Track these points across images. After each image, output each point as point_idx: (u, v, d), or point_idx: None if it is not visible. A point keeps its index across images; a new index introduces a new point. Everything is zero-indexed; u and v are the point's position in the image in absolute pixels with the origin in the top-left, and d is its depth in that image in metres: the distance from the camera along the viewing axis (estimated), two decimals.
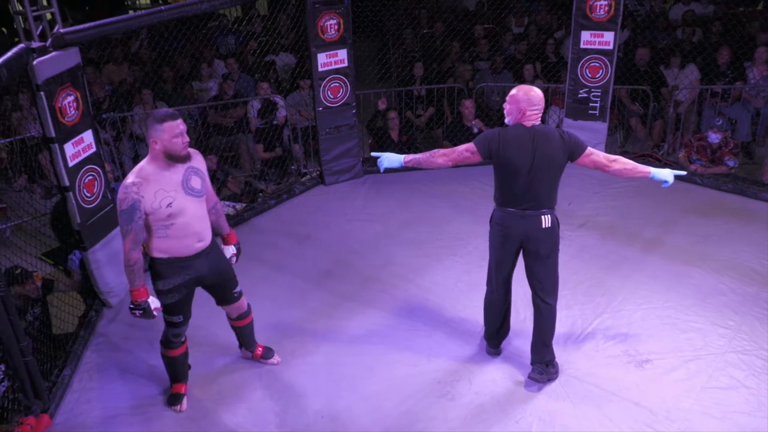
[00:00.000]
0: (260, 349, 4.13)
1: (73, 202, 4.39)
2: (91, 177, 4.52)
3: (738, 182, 6.10)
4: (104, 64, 7.70)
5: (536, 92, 3.52)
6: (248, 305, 3.95)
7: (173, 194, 3.32)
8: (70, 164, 4.34)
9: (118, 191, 3.31)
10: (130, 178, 3.29)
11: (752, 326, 4.31)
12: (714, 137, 6.23)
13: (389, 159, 3.83)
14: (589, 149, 3.60)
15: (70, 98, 4.30)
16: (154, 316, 3.47)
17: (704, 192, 6.06)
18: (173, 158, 3.31)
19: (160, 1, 13.79)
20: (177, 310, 3.59)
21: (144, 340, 4.42)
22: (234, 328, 4.00)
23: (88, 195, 4.50)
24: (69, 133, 4.31)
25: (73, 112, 4.33)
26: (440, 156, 3.70)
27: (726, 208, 5.77)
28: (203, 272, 3.55)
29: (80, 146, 4.42)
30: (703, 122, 6.88)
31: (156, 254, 3.47)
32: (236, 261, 3.80)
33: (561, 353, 4.02)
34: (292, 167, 6.72)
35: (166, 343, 3.73)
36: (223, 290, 3.73)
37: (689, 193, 5.99)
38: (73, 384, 4.08)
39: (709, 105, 6.93)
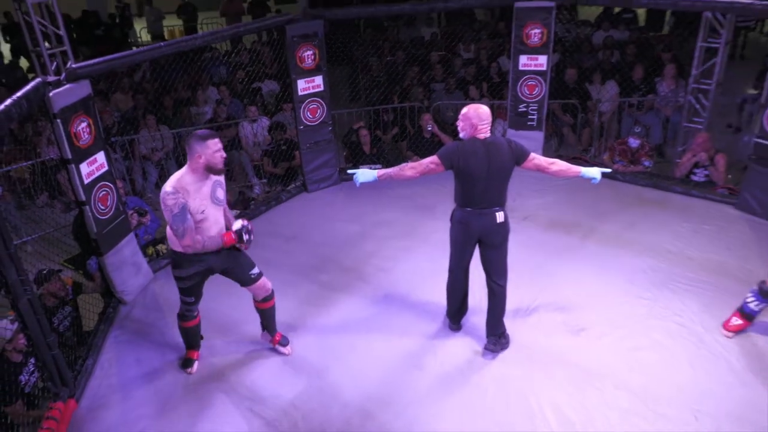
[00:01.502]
0: (278, 336, 4.10)
1: (90, 214, 4.34)
2: (104, 192, 4.47)
3: (653, 178, 6.19)
4: (113, 94, 7.60)
5: (484, 109, 3.56)
6: (272, 290, 3.90)
7: (206, 203, 3.42)
8: (86, 182, 4.29)
9: (162, 199, 3.33)
10: (171, 186, 3.33)
11: (667, 297, 4.41)
12: (633, 142, 6.34)
13: (364, 175, 3.78)
14: (532, 155, 3.65)
15: (84, 124, 4.25)
16: (248, 227, 3.52)
17: (626, 187, 6.13)
18: (212, 171, 3.40)
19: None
20: (190, 293, 3.70)
21: (156, 332, 4.39)
22: (258, 310, 3.96)
23: (103, 208, 4.45)
24: (83, 154, 4.26)
25: (86, 136, 4.27)
26: (409, 169, 3.72)
27: (644, 200, 5.85)
28: (213, 264, 3.62)
29: (94, 166, 4.36)
30: (623, 129, 6.99)
31: (177, 248, 3.51)
32: (246, 244, 3.60)
33: (511, 326, 4.07)
34: (297, 179, 6.66)
35: (182, 316, 3.85)
36: (239, 274, 3.74)
37: (614, 188, 6.06)
38: (95, 372, 4.05)
39: (627, 114, 7.06)
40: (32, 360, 3.78)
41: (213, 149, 3.33)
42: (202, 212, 3.41)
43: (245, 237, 3.46)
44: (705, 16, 6.09)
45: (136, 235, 5.04)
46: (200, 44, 5.35)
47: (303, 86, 5.97)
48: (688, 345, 3.94)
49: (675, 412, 3.45)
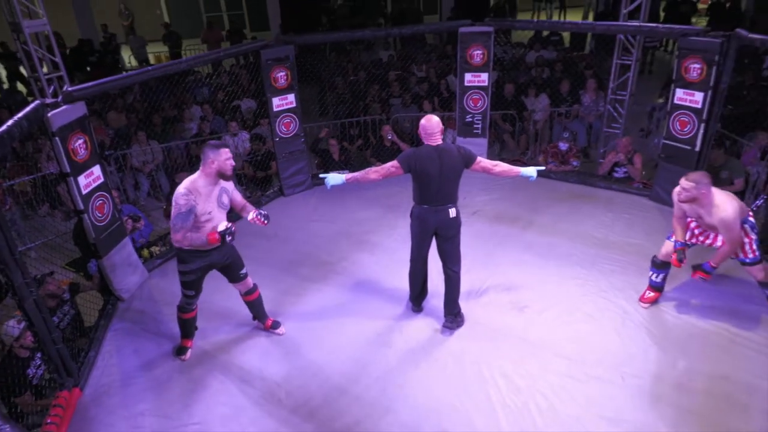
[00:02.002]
0: (270, 321, 4.07)
1: (88, 221, 4.20)
2: (101, 201, 4.32)
3: (581, 176, 6.29)
4: (106, 113, 7.37)
5: (434, 120, 3.58)
6: (254, 284, 3.90)
7: (212, 206, 3.38)
8: (84, 192, 4.14)
9: (175, 198, 3.27)
10: (185, 188, 3.28)
11: (596, 277, 4.49)
12: (563, 145, 6.45)
13: (334, 178, 3.78)
14: (479, 158, 3.69)
15: (80, 141, 4.10)
16: (232, 232, 3.39)
17: (558, 184, 6.21)
18: (223, 176, 3.38)
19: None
20: (191, 287, 3.64)
21: (152, 325, 4.27)
22: (246, 302, 3.95)
23: (100, 215, 4.31)
24: (81, 168, 4.11)
25: (83, 152, 4.13)
26: (373, 173, 3.72)
27: (574, 195, 5.94)
28: (214, 261, 3.59)
29: (90, 178, 4.22)
30: (554, 134, 7.10)
31: (183, 246, 3.45)
32: (263, 220, 3.49)
33: (465, 306, 4.10)
34: (275, 185, 6.58)
35: (182, 308, 3.78)
36: (232, 272, 3.73)
37: (548, 186, 6.13)
38: (97, 363, 3.91)
39: (557, 122, 7.17)
40: (38, 354, 3.64)
41: (225, 157, 3.33)
42: (209, 213, 3.37)
43: (228, 238, 3.39)
44: (619, 38, 6.25)
45: (132, 239, 4.90)
46: (184, 68, 5.21)
47: (277, 103, 5.89)
48: (614, 317, 4.03)
49: (605, 373, 3.53)
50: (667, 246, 3.97)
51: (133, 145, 6.66)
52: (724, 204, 3.56)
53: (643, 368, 3.55)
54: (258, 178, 6.60)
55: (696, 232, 3.94)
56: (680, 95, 5.18)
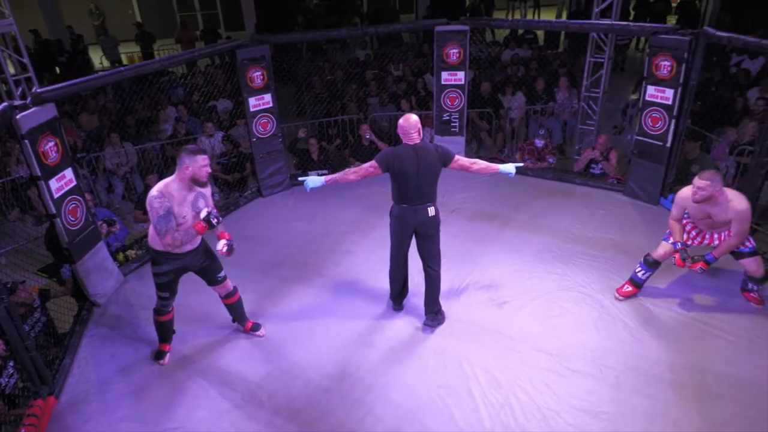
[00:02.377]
0: (250, 323, 4.03)
1: (61, 226, 4.10)
2: (74, 205, 4.23)
3: (557, 173, 6.37)
4: (78, 115, 7.21)
5: (412, 120, 3.58)
6: (234, 287, 3.85)
7: (187, 210, 3.32)
8: (56, 196, 4.04)
9: (149, 202, 3.21)
10: (157, 191, 3.21)
11: (573, 271, 4.56)
12: (539, 142, 6.52)
13: (313, 181, 3.74)
14: (457, 156, 3.70)
15: (51, 143, 4.00)
16: (213, 212, 3.31)
17: (535, 181, 6.27)
18: (197, 183, 3.31)
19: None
20: (165, 288, 3.58)
21: (129, 329, 4.19)
22: (226, 305, 3.91)
23: (73, 219, 4.21)
24: (52, 171, 4.01)
25: (54, 154, 4.03)
26: (351, 173, 3.70)
27: (550, 192, 6.01)
28: (188, 264, 3.54)
29: (62, 181, 4.12)
30: (530, 132, 7.17)
31: (157, 246, 3.40)
32: (229, 253, 3.52)
33: (445, 304, 4.12)
34: (252, 186, 6.51)
35: (157, 311, 3.72)
36: (209, 275, 3.69)
37: (525, 183, 6.19)
38: (73, 370, 3.82)
39: (533, 120, 7.25)
40: (11, 363, 3.54)
41: (201, 164, 3.26)
42: (183, 217, 3.32)
43: (213, 220, 3.29)
44: (591, 36, 6.35)
45: (107, 243, 4.80)
46: (158, 68, 5.13)
47: (254, 103, 5.83)
48: (592, 310, 4.09)
49: (584, 367, 3.58)
50: (665, 247, 4.00)
51: (106, 147, 6.53)
52: (738, 198, 3.65)
53: (621, 361, 3.61)
54: (232, 182, 6.52)
55: (693, 233, 4.03)
56: (651, 92, 5.29)
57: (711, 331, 3.83)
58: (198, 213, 3.38)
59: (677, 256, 3.89)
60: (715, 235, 3.94)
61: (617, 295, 4.22)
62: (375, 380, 3.57)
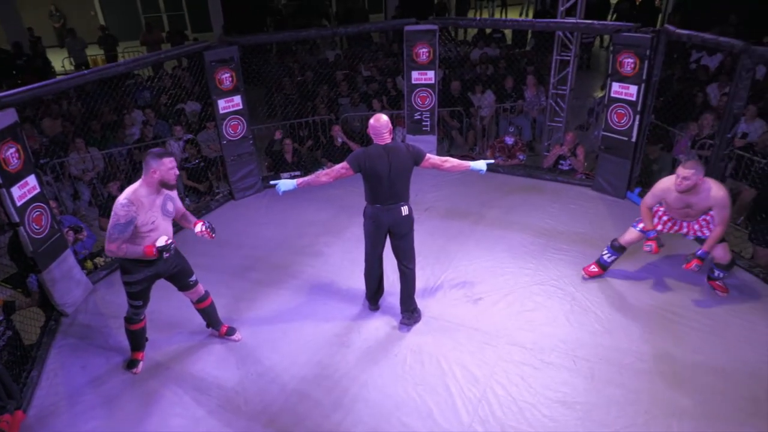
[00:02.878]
0: (225, 328, 3.97)
1: (24, 234, 3.97)
2: (38, 213, 4.10)
3: (527, 169, 6.46)
4: (40, 120, 6.99)
5: (383, 120, 3.59)
6: (206, 291, 3.79)
7: (156, 215, 3.25)
8: (18, 204, 3.92)
9: (115, 208, 3.13)
10: (126, 198, 3.13)
11: (545, 266, 4.63)
12: (509, 140, 6.61)
13: (285, 184, 3.70)
14: (428, 155, 3.71)
15: (12, 150, 3.88)
16: (170, 245, 3.27)
17: (506, 178, 6.36)
18: (165, 186, 3.25)
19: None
20: (138, 297, 3.49)
21: (100, 339, 4.08)
22: (198, 310, 3.84)
23: (37, 227, 4.09)
24: (14, 178, 3.88)
25: (15, 161, 3.90)
26: (323, 175, 3.69)
27: (521, 188, 6.09)
28: (160, 270, 3.47)
29: (25, 188, 3.99)
30: (500, 129, 7.26)
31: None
32: (209, 232, 3.47)
33: (421, 302, 4.14)
34: (218, 190, 6.42)
35: (129, 320, 3.63)
36: (180, 280, 3.62)
37: (496, 180, 6.26)
38: (41, 382, 3.71)
39: (502, 118, 7.34)
40: None
41: (168, 166, 3.20)
42: (152, 223, 3.24)
43: (165, 254, 3.27)
44: (557, 34, 6.46)
45: (74, 251, 4.67)
46: (123, 71, 5.02)
47: (223, 105, 5.76)
48: (564, 303, 4.17)
49: (558, 359, 3.65)
50: (632, 233, 4.15)
51: (71, 152, 6.36)
52: (717, 185, 3.76)
53: (593, 352, 3.69)
54: (196, 188, 6.41)
55: (664, 219, 4.11)
56: (616, 89, 5.41)
57: (679, 320, 3.94)
58: (167, 214, 3.33)
59: (654, 243, 3.98)
60: (684, 224, 4.05)
61: (583, 273, 4.40)
62: (353, 381, 3.56)
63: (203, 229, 3.48)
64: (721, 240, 3.96)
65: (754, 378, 3.41)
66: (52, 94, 6.73)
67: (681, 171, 3.72)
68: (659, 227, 4.11)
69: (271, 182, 3.85)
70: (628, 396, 3.34)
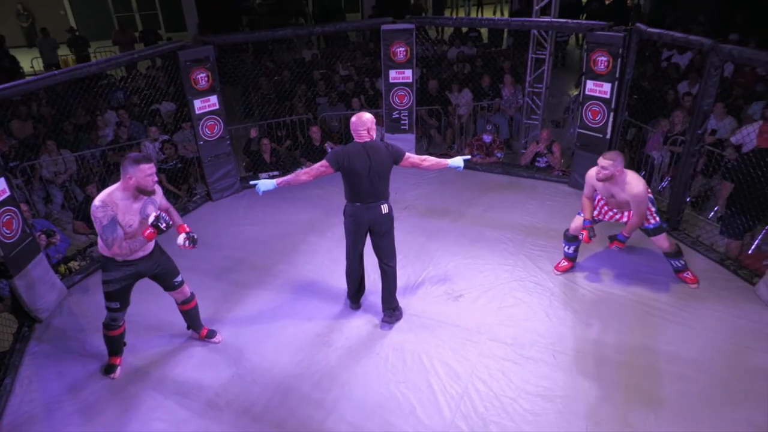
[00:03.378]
0: (205, 330, 3.93)
1: None
2: (8, 217, 4.00)
3: (505, 167, 6.53)
4: (9, 122, 6.81)
5: (364, 117, 3.60)
6: (191, 293, 3.75)
7: (135, 218, 3.20)
8: None
9: (93, 213, 3.07)
10: (99, 201, 3.08)
11: (525, 262, 4.70)
12: (487, 138, 6.67)
13: (265, 184, 3.66)
14: (407, 154, 3.73)
15: None
16: (164, 218, 3.19)
17: (484, 176, 6.41)
18: (143, 192, 3.18)
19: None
20: (115, 297, 3.41)
21: (76, 344, 4.00)
22: (181, 312, 3.79)
23: (8, 232, 3.99)
24: None
25: None
26: (303, 174, 3.67)
27: (499, 185, 6.16)
28: (141, 270, 3.41)
29: None
30: (478, 128, 7.32)
31: (105, 253, 3.26)
32: (191, 246, 3.47)
33: (402, 300, 4.15)
34: (196, 191, 6.34)
35: (107, 325, 3.55)
36: (165, 280, 3.57)
37: (474, 177, 6.32)
38: (15, 390, 3.61)
39: (480, 116, 7.41)
40: None
41: (146, 173, 3.13)
42: (130, 226, 3.19)
43: (161, 225, 3.18)
44: (533, 33, 6.54)
45: (47, 255, 4.57)
46: (95, 71, 4.93)
47: (199, 105, 5.70)
48: (543, 299, 4.23)
49: (538, 354, 3.70)
50: (577, 221, 4.31)
51: (42, 155, 6.21)
52: (636, 181, 3.92)
53: (572, 345, 3.75)
54: (180, 194, 6.33)
55: (605, 209, 4.27)
56: (590, 86, 5.51)
57: (654, 312, 4.03)
58: (146, 218, 3.27)
59: (585, 233, 4.15)
60: (625, 213, 4.18)
61: (555, 270, 4.52)
62: (335, 380, 3.56)
63: (185, 243, 3.47)
64: (659, 230, 4.12)
65: (725, 366, 3.51)
66: (21, 95, 6.57)
67: (600, 161, 3.92)
68: (599, 216, 4.28)
69: (251, 183, 3.80)
70: (606, 388, 3.41)
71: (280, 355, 3.78)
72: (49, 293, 4.37)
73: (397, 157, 3.67)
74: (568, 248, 4.47)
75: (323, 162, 3.62)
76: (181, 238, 3.48)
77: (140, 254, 3.35)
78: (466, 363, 3.64)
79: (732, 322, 3.89)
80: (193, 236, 3.52)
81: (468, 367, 3.60)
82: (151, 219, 3.20)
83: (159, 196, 3.40)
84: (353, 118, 3.60)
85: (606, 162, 3.87)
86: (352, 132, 3.63)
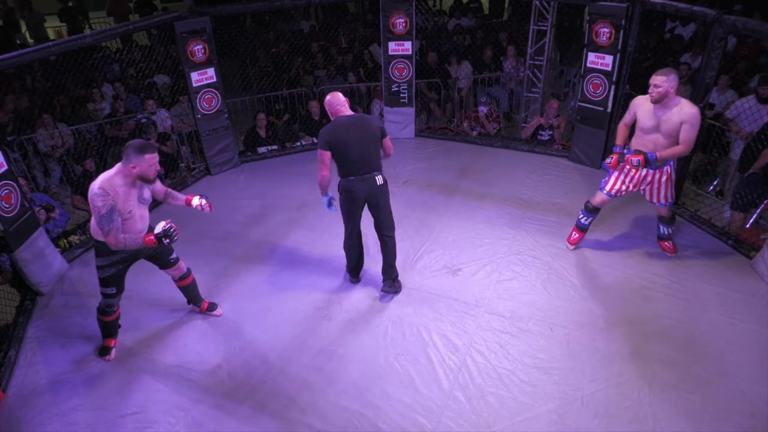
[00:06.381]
0: (206, 303, 3.96)
1: None
2: (7, 191, 4.00)
3: (504, 140, 6.49)
4: (3, 96, 6.74)
5: (336, 96, 3.71)
6: (188, 269, 3.76)
7: (133, 203, 3.18)
8: None
9: (91, 199, 3.04)
10: (99, 188, 3.03)
11: (523, 236, 4.71)
12: (483, 109, 6.61)
13: (328, 203, 3.89)
14: (388, 137, 3.82)
15: None
16: (172, 234, 3.22)
17: (483, 149, 6.38)
18: (144, 180, 3.16)
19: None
20: (110, 283, 3.40)
21: (78, 317, 4.04)
22: (180, 288, 3.81)
23: (7, 206, 3.99)
24: None
25: None
26: (321, 173, 3.73)
27: (498, 159, 6.13)
28: (136, 253, 3.40)
29: None
30: (478, 101, 7.27)
31: (99, 237, 3.24)
32: (209, 208, 3.50)
33: (401, 273, 4.18)
34: (182, 165, 6.33)
35: (102, 310, 3.55)
36: (161, 259, 3.58)
37: (473, 151, 6.30)
38: (19, 362, 3.67)
39: (480, 89, 7.34)
40: None
41: (149, 163, 3.09)
42: (129, 212, 3.17)
43: (165, 241, 3.21)
44: (534, 3, 6.42)
45: (47, 230, 4.58)
46: (90, 43, 4.84)
47: (196, 78, 5.63)
48: (541, 272, 4.25)
49: (536, 326, 3.74)
50: (600, 196, 4.21)
51: (38, 128, 6.17)
52: (689, 102, 3.69)
53: (569, 318, 3.79)
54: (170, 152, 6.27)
55: (629, 178, 4.04)
56: (592, 59, 5.43)
57: (651, 286, 4.06)
58: (144, 202, 3.26)
59: (615, 157, 3.93)
60: (647, 186, 4.03)
61: (568, 245, 4.48)
62: (335, 352, 3.60)
63: (201, 202, 3.46)
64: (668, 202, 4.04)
65: (720, 340, 3.55)
66: (14, 67, 6.47)
67: (653, 78, 3.64)
68: (617, 186, 4.08)
69: (329, 209, 3.94)
70: (602, 360, 3.45)
71: (280, 329, 3.82)
72: (50, 267, 4.39)
73: (383, 131, 3.76)
74: (585, 219, 4.35)
75: (319, 152, 3.67)
76: (196, 200, 3.47)
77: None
78: (464, 335, 3.68)
79: (728, 296, 3.92)
80: (206, 197, 3.54)
81: (466, 340, 3.64)
82: (158, 230, 3.19)
83: (158, 185, 3.40)
84: (330, 99, 3.68)
85: (659, 78, 3.55)
86: (331, 111, 3.70)
